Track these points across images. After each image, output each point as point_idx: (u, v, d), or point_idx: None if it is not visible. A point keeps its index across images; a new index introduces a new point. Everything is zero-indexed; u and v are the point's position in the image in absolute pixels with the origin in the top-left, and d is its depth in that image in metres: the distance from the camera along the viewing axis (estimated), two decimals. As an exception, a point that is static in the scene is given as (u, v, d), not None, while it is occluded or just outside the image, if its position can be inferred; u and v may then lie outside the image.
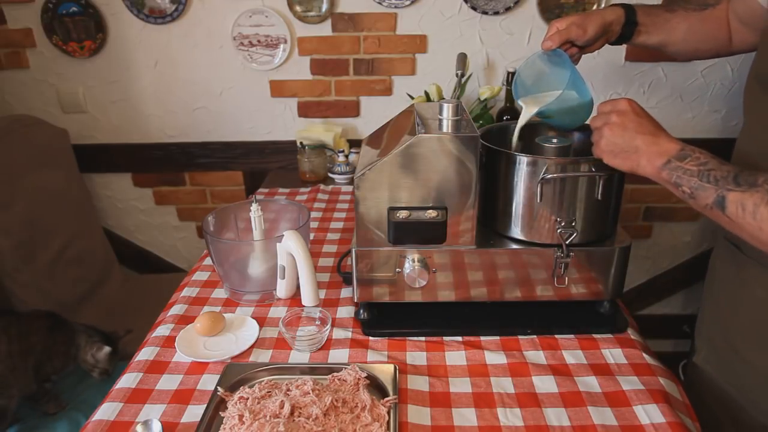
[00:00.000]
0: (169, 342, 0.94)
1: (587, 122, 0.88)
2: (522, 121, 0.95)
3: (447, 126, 0.87)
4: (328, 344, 0.93)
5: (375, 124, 1.44)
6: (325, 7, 1.67)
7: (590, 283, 0.94)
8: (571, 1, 1.66)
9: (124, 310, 1.69)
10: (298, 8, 1.68)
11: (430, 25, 1.70)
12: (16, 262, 1.46)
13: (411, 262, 0.91)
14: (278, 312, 1.02)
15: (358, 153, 1.53)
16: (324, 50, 1.74)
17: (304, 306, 0.99)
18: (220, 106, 1.81)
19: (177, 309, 1.04)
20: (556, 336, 0.95)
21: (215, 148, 1.86)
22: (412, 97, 1.70)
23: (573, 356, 0.90)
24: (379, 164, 0.86)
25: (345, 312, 1.02)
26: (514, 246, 0.93)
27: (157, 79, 1.78)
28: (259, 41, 1.71)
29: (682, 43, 1.03)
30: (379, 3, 1.67)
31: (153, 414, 0.78)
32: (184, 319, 1.01)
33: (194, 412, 0.78)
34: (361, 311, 0.98)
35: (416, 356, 0.90)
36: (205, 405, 0.78)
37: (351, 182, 1.68)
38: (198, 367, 0.88)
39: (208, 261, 1.20)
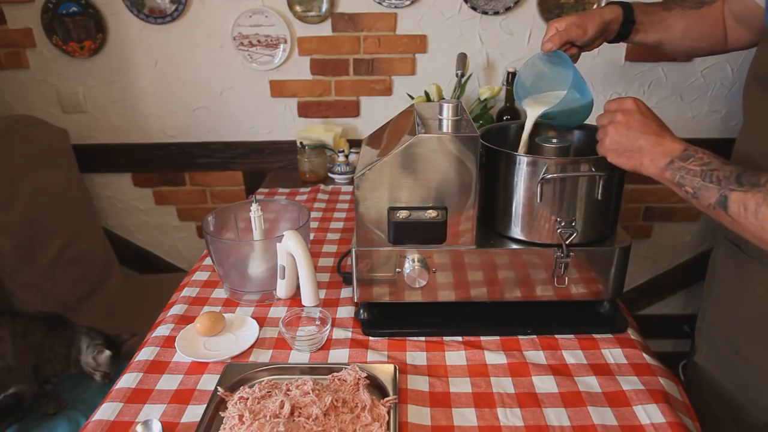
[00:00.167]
0: (169, 342, 0.94)
1: (594, 120, 0.88)
2: (529, 124, 0.95)
3: (447, 126, 0.87)
4: (328, 344, 0.93)
5: (375, 124, 1.44)
6: (325, 7, 1.67)
7: (590, 283, 0.94)
8: (571, 1, 1.66)
9: (124, 310, 1.69)
10: (298, 8, 1.68)
11: (430, 25, 1.70)
12: (16, 262, 1.46)
13: (411, 262, 0.91)
14: (278, 312, 1.02)
15: (358, 153, 1.53)
16: (324, 50, 1.74)
17: (304, 306, 0.99)
18: (220, 106, 1.81)
19: (177, 309, 1.04)
20: (556, 336, 0.95)
21: (215, 148, 1.86)
22: (412, 97, 1.70)
23: (573, 356, 0.90)
24: (379, 164, 0.86)
25: (345, 312, 1.02)
26: (514, 246, 0.93)
27: (157, 79, 1.78)
28: (259, 41, 1.71)
29: (679, 41, 1.04)
30: (379, 3, 1.67)
31: (153, 414, 0.78)
32: (184, 319, 1.01)
33: (194, 412, 0.78)
34: (361, 311, 0.98)
35: (416, 356, 0.90)
36: (205, 405, 0.78)
37: (351, 182, 1.68)
38: (198, 367, 0.88)
39: (208, 261, 1.20)
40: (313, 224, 1.40)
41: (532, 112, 0.95)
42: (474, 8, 1.67)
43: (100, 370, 1.22)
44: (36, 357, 1.19)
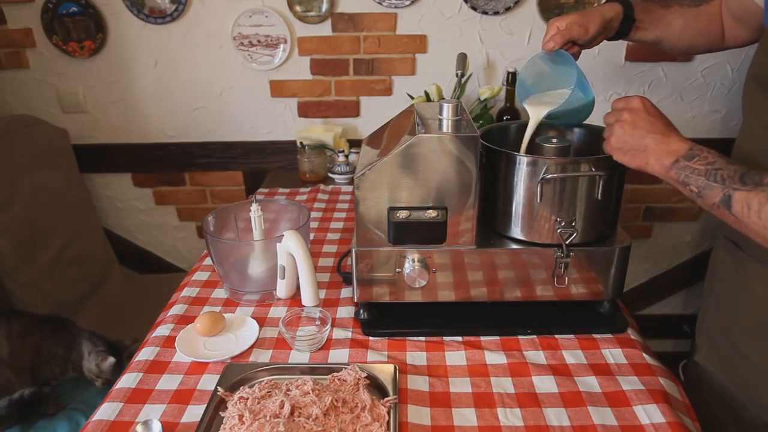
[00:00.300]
0: (169, 342, 0.94)
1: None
2: (533, 124, 0.95)
3: (447, 126, 0.87)
4: (328, 344, 0.93)
5: (375, 124, 1.44)
6: (325, 7, 1.67)
7: (590, 283, 0.94)
8: (571, 1, 1.66)
9: (124, 310, 1.69)
10: (298, 8, 1.68)
11: (430, 25, 1.70)
12: (16, 262, 1.46)
13: (411, 262, 0.91)
14: (278, 312, 1.02)
15: (358, 153, 1.53)
16: (324, 50, 1.74)
17: (304, 306, 0.99)
18: (220, 106, 1.81)
19: (177, 309, 1.04)
20: (556, 336, 0.95)
21: (215, 148, 1.86)
22: (412, 97, 1.70)
23: (573, 356, 0.90)
24: (379, 164, 0.86)
25: (345, 312, 1.02)
26: (514, 246, 0.93)
27: (157, 79, 1.78)
28: (259, 41, 1.71)
29: (677, 39, 1.04)
30: (379, 3, 1.67)
31: (153, 414, 0.78)
32: (184, 319, 1.01)
33: (194, 412, 0.78)
34: (361, 311, 0.98)
35: (416, 356, 0.90)
36: (205, 405, 0.78)
37: (351, 182, 1.68)
38: (198, 367, 0.88)
39: (208, 261, 1.20)
40: (313, 224, 1.40)
41: (535, 113, 0.95)
42: (474, 8, 1.67)
43: (102, 377, 1.21)
44: (33, 358, 1.18)
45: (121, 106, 1.82)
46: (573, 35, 0.94)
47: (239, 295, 1.07)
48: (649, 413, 0.77)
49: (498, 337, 0.94)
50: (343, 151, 1.72)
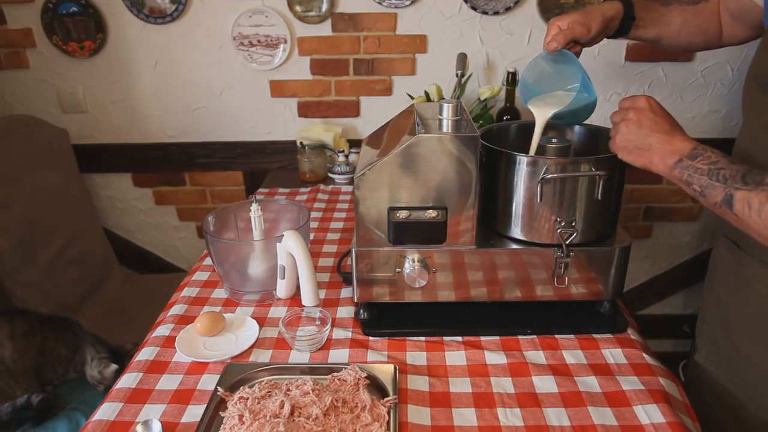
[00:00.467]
0: (169, 342, 0.94)
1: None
2: (540, 125, 0.94)
3: (447, 126, 0.87)
4: (328, 344, 0.93)
5: (375, 124, 1.44)
6: (325, 7, 1.67)
7: (590, 283, 0.94)
8: (571, 1, 1.66)
9: (124, 310, 1.69)
10: (298, 8, 1.68)
11: (430, 25, 1.70)
12: (16, 262, 1.46)
13: (411, 262, 0.91)
14: (278, 312, 1.02)
15: (358, 153, 1.53)
16: (324, 50, 1.74)
17: (304, 306, 0.99)
18: (220, 106, 1.81)
19: (177, 309, 1.04)
20: (556, 336, 0.95)
21: (215, 148, 1.86)
22: (412, 97, 1.70)
23: (573, 356, 0.90)
24: (379, 164, 0.86)
25: (345, 312, 1.02)
26: (514, 246, 0.93)
27: (157, 79, 1.78)
28: (259, 41, 1.71)
29: (676, 37, 1.05)
30: (379, 3, 1.67)
31: (153, 414, 0.78)
32: (184, 319, 1.01)
33: (194, 412, 0.78)
34: (361, 311, 0.98)
35: (416, 356, 0.90)
36: (205, 405, 0.78)
37: (351, 182, 1.68)
38: (198, 367, 0.88)
39: (208, 261, 1.20)
40: (313, 224, 1.40)
41: (541, 113, 0.94)
42: (474, 8, 1.67)
43: (104, 383, 1.21)
44: (38, 358, 1.18)
45: (121, 106, 1.82)
46: (575, 34, 0.94)
47: (239, 295, 1.07)
48: (649, 413, 0.77)
49: (498, 337, 0.94)
50: (343, 151, 1.72)
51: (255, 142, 1.86)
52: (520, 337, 0.95)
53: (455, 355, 0.90)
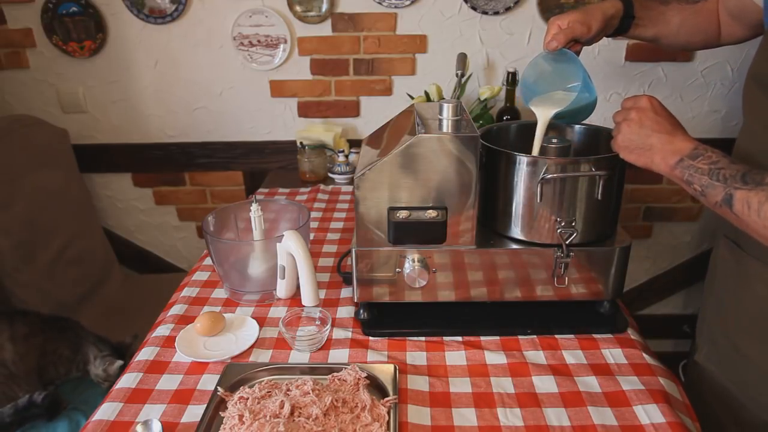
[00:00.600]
0: (169, 342, 0.94)
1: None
2: (542, 125, 0.94)
3: (447, 126, 0.87)
4: (328, 344, 0.93)
5: (375, 124, 1.44)
6: (325, 7, 1.67)
7: (590, 283, 0.94)
8: (571, 1, 1.66)
9: (124, 310, 1.69)
10: (298, 8, 1.68)
11: (430, 25, 1.70)
12: (16, 262, 1.46)
13: (411, 262, 0.91)
14: (278, 312, 1.02)
15: (358, 153, 1.53)
16: (324, 50, 1.74)
17: (304, 306, 0.99)
18: (220, 106, 1.81)
19: (177, 309, 1.04)
20: (556, 336, 0.95)
21: (215, 148, 1.86)
22: (412, 97, 1.70)
23: (573, 356, 0.90)
24: (379, 164, 0.86)
25: (345, 312, 1.02)
26: (514, 246, 0.93)
27: (157, 79, 1.78)
28: (259, 41, 1.71)
29: (675, 36, 1.05)
30: (379, 3, 1.67)
31: (153, 414, 0.78)
32: (184, 319, 1.01)
33: (194, 412, 0.78)
34: (361, 311, 0.98)
35: (416, 356, 0.90)
36: (205, 405, 0.78)
37: (351, 182, 1.68)
38: (198, 367, 0.88)
39: (208, 261, 1.20)
40: (313, 224, 1.40)
41: (543, 113, 0.94)
42: (474, 8, 1.67)
43: (110, 380, 1.21)
44: (39, 359, 1.18)
45: (121, 106, 1.82)
46: (575, 34, 0.93)
47: (239, 295, 1.07)
48: (649, 413, 0.77)
49: (498, 337, 0.94)
50: (343, 151, 1.72)
51: (255, 142, 1.86)
52: (520, 337, 0.95)
53: (455, 355, 0.90)
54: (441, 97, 1.65)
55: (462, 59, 1.12)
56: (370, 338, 0.95)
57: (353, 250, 0.92)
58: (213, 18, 1.70)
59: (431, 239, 0.90)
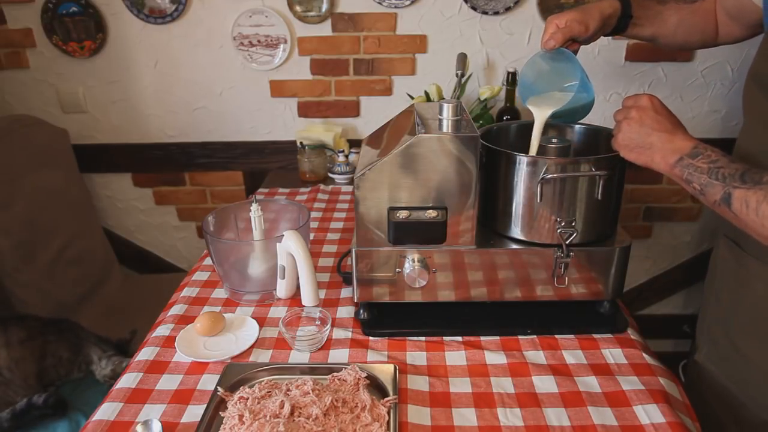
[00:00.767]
0: (169, 342, 0.94)
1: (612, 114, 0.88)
2: (539, 124, 0.94)
3: (447, 126, 0.87)
4: (328, 344, 0.93)
5: (375, 124, 1.44)
6: (325, 7, 1.67)
7: (590, 283, 0.94)
8: (571, 1, 1.66)
9: (124, 310, 1.69)
10: (298, 8, 1.68)
11: (430, 25, 1.70)
12: (16, 262, 1.46)
13: (411, 262, 0.91)
14: (278, 312, 1.02)
15: (358, 153, 1.53)
16: (324, 50, 1.74)
17: (304, 306, 0.99)
18: (220, 106, 1.81)
19: (177, 309, 1.04)
20: (556, 336, 0.95)
21: (215, 148, 1.86)
22: (412, 97, 1.70)
23: (573, 356, 0.90)
24: (379, 164, 0.86)
25: (345, 312, 1.02)
26: (514, 246, 0.93)
27: (157, 79, 1.78)
28: (259, 41, 1.71)
29: (672, 35, 1.05)
30: (379, 3, 1.67)
31: (153, 414, 0.78)
32: (184, 319, 1.01)
33: (194, 412, 0.78)
34: (361, 311, 0.98)
35: (416, 356, 0.90)
36: (205, 405, 0.78)
37: (351, 182, 1.68)
38: (198, 367, 0.88)
39: (208, 261, 1.20)
40: (313, 224, 1.40)
41: (540, 113, 0.94)
42: (474, 8, 1.67)
43: (116, 378, 1.21)
44: (38, 362, 1.18)
45: (121, 106, 1.82)
46: (573, 33, 0.93)
47: (239, 295, 1.07)
48: (649, 413, 0.77)
49: (498, 337, 0.94)
50: (343, 151, 1.72)
51: (255, 142, 1.86)
52: (520, 337, 0.95)
53: (455, 355, 0.90)
54: (441, 97, 1.65)
55: (462, 59, 1.12)
56: (370, 338, 0.95)
57: (353, 250, 0.92)
58: (213, 18, 1.70)
59: (431, 239, 0.90)
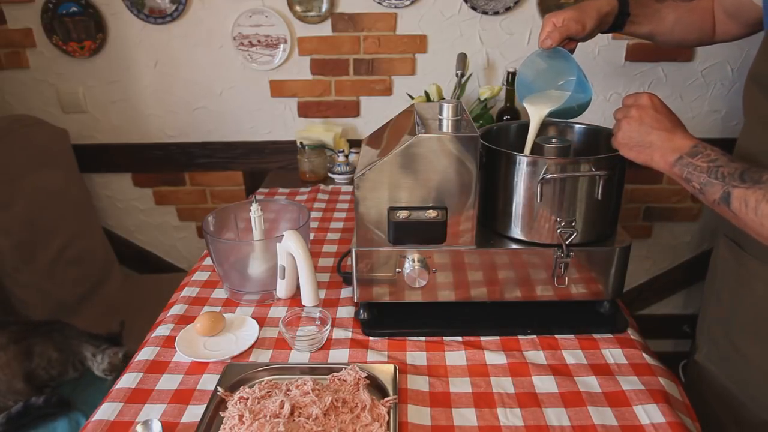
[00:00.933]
0: (169, 342, 0.94)
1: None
2: (536, 123, 0.94)
3: (447, 126, 0.87)
4: (328, 344, 0.93)
5: (375, 124, 1.44)
6: (325, 7, 1.67)
7: (590, 283, 0.94)
8: (570, 1, 1.66)
9: (124, 310, 1.69)
10: (298, 8, 1.68)
11: (430, 25, 1.70)
12: (16, 262, 1.46)
13: (411, 262, 0.91)
14: (278, 312, 1.02)
15: (358, 153, 1.53)
16: (324, 50, 1.74)
17: (304, 306, 0.99)
18: (221, 106, 1.81)
19: (177, 309, 1.04)
20: (556, 336, 0.95)
21: (215, 148, 1.86)
22: (412, 97, 1.70)
23: (573, 356, 0.90)
24: (379, 164, 0.86)
25: (345, 312, 1.02)
26: (514, 246, 0.93)
27: (157, 79, 1.78)
28: (259, 41, 1.71)
29: (669, 33, 1.05)
30: (379, 3, 1.67)
31: (153, 414, 0.78)
32: (184, 319, 1.01)
33: (194, 412, 0.78)
34: (361, 311, 0.98)
35: (416, 356, 0.90)
36: (205, 405, 0.78)
37: (351, 182, 1.68)
38: (198, 367, 0.88)
39: (208, 261, 1.20)
40: (313, 224, 1.40)
41: (537, 111, 0.94)
42: (474, 8, 1.67)
43: (117, 370, 1.21)
44: (24, 365, 1.18)
45: (121, 106, 1.82)
46: (570, 32, 0.93)
47: (239, 295, 1.07)
48: (649, 413, 0.77)
49: (498, 337, 0.94)
50: (343, 151, 1.72)
51: (255, 142, 1.86)
52: (520, 337, 0.95)
53: (455, 355, 0.90)
54: (441, 97, 1.65)
55: (462, 59, 1.12)
56: (370, 338, 0.95)
57: (353, 250, 0.92)
58: (213, 18, 1.70)
59: (431, 239, 0.90)
